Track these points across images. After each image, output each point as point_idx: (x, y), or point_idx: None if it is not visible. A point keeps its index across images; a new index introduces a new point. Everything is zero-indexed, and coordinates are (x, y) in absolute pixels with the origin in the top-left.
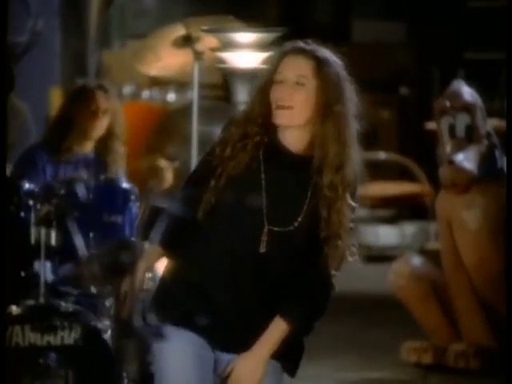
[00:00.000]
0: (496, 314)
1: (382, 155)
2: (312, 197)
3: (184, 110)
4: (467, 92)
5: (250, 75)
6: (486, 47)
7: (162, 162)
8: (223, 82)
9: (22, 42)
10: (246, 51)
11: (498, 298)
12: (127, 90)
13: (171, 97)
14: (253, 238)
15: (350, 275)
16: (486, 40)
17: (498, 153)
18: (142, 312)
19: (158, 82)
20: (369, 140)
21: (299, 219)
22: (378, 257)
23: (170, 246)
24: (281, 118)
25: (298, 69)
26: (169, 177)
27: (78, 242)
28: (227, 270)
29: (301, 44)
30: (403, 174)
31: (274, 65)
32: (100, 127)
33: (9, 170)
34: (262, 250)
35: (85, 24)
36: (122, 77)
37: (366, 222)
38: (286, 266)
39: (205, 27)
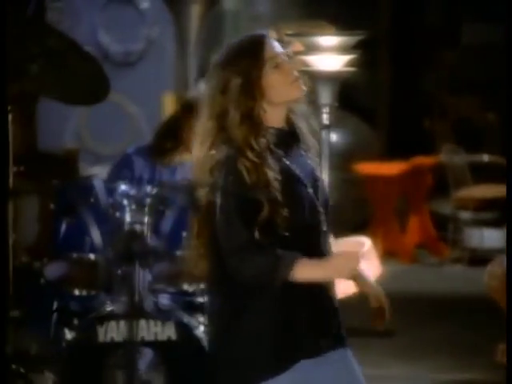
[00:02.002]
0: None
1: (485, 157)
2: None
3: None
4: None
5: (333, 78)
6: None
7: None
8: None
9: (137, 50)
10: (329, 54)
11: None
12: None
13: None
14: (317, 218)
15: (455, 278)
16: None
17: None
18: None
19: None
20: (474, 142)
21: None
22: (483, 260)
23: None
24: (300, 88)
25: (282, 49)
26: None
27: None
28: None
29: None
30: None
31: (255, 54)
32: None
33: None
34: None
35: (186, 31)
36: None
37: (470, 225)
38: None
39: (289, 31)
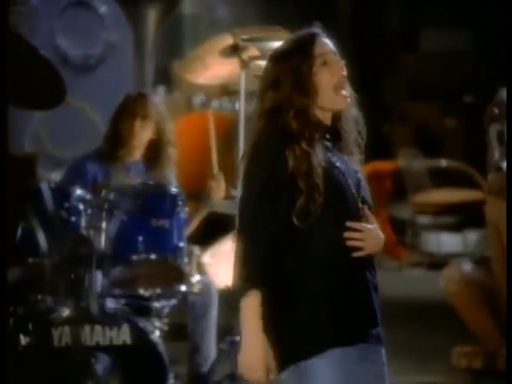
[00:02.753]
0: None
1: (443, 162)
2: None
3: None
4: None
5: None
6: None
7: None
8: None
9: (96, 54)
10: None
11: None
12: (197, 99)
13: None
14: (356, 216)
15: (414, 282)
16: None
17: None
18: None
19: (227, 92)
20: (433, 147)
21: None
22: (441, 264)
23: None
24: (345, 99)
25: (332, 47)
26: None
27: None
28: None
29: (316, 28)
30: (466, 181)
31: (306, 50)
32: (141, 132)
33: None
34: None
35: (143, 36)
36: (192, 87)
37: (429, 229)
38: None
39: (245, 36)
